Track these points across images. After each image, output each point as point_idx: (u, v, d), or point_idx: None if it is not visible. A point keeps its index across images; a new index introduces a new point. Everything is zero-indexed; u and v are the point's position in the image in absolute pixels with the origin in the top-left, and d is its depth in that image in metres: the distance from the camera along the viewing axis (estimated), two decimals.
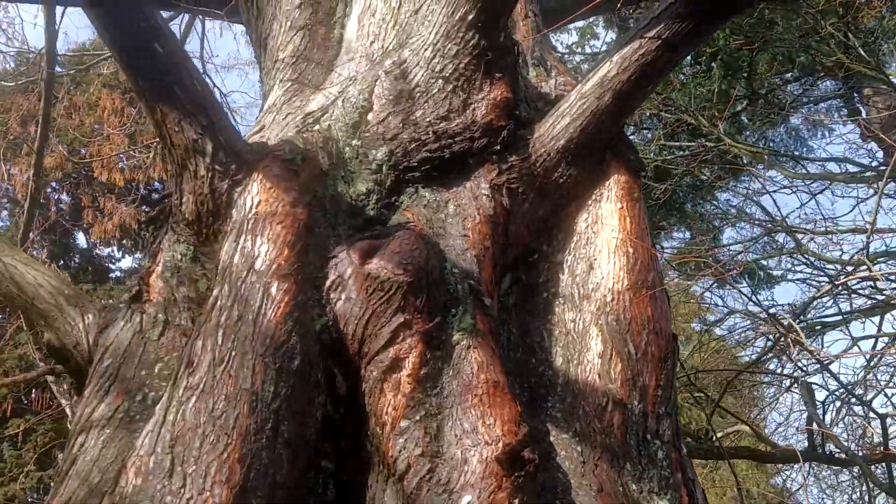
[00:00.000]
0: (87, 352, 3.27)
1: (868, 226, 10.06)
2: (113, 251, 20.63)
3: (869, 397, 9.46)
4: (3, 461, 14.70)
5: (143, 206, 18.61)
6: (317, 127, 3.67)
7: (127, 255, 20.87)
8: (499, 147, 3.48)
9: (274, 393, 2.66)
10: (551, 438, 2.93)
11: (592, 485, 2.75)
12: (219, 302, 2.84)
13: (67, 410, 9.94)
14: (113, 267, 20.77)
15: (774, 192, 14.55)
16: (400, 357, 2.79)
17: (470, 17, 3.50)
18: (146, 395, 2.94)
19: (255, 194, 3.10)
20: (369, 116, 3.62)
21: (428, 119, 3.52)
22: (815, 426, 5.92)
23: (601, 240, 3.40)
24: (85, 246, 20.33)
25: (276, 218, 3.01)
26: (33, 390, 13.92)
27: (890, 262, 11.52)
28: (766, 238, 14.02)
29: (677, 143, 13.69)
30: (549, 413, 3.03)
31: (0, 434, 14.61)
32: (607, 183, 3.55)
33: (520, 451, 2.55)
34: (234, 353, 2.69)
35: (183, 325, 3.16)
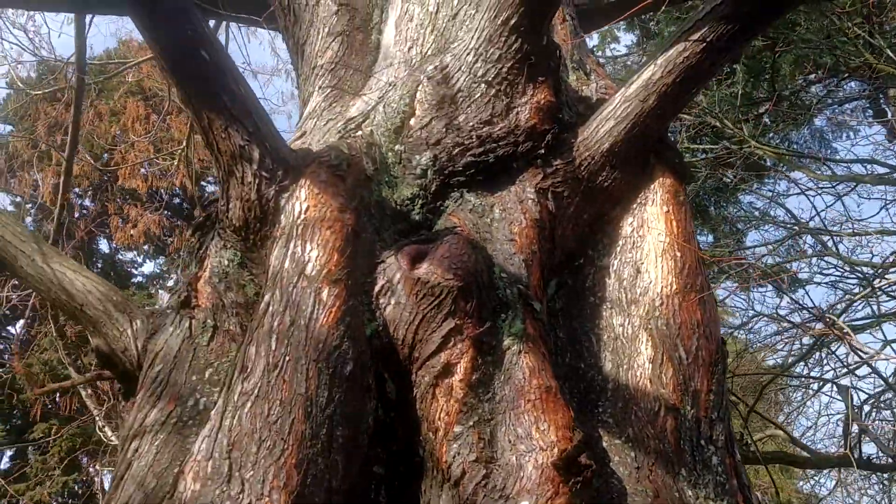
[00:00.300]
0: (136, 357, 3.28)
1: None
2: (135, 256, 20.81)
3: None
4: (30, 466, 14.81)
5: (167, 212, 18.76)
6: (359, 132, 3.67)
7: (149, 261, 21.03)
8: (543, 151, 3.47)
9: (328, 398, 2.66)
10: (604, 444, 2.91)
11: (648, 490, 2.73)
12: (271, 307, 2.84)
13: (96, 416, 10.01)
14: (135, 272, 20.93)
15: (799, 193, 14.48)
16: (451, 362, 2.78)
17: (513, 21, 3.49)
18: (198, 401, 2.94)
19: (303, 200, 3.11)
20: (412, 121, 3.62)
21: (471, 123, 3.51)
22: (855, 428, 5.87)
23: (648, 244, 3.38)
24: (107, 251, 20.50)
25: (325, 223, 3.02)
26: (58, 394, 14.01)
27: None
28: (789, 241, 13.96)
29: (700, 146, 13.63)
30: (601, 418, 3.01)
31: (26, 438, 14.72)
32: (652, 186, 3.53)
33: (576, 456, 2.54)
34: (287, 359, 2.69)
35: (232, 331, 3.17)
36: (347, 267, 2.94)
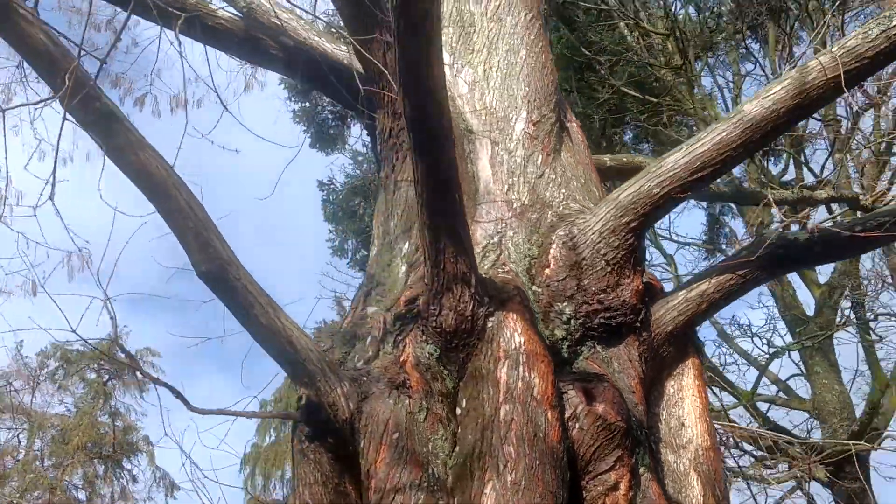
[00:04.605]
0: (347, 413, 4.06)
1: None
2: None
3: None
4: None
5: None
6: (507, 267, 4.76)
7: None
8: (639, 324, 4.84)
9: (562, 496, 3.78)
10: None
11: None
12: (515, 418, 3.88)
13: None
14: None
15: None
16: (617, 480, 4.04)
17: (633, 225, 4.84)
18: (433, 471, 3.87)
19: (519, 332, 4.16)
20: (546, 271, 4.80)
21: (592, 289, 4.78)
22: None
23: (687, 405, 4.88)
24: None
25: (538, 357, 4.11)
26: None
27: None
28: None
29: None
30: None
31: None
32: (687, 362, 5.05)
33: None
34: (538, 462, 3.76)
35: (439, 414, 4.11)
36: (556, 395, 4.07)
